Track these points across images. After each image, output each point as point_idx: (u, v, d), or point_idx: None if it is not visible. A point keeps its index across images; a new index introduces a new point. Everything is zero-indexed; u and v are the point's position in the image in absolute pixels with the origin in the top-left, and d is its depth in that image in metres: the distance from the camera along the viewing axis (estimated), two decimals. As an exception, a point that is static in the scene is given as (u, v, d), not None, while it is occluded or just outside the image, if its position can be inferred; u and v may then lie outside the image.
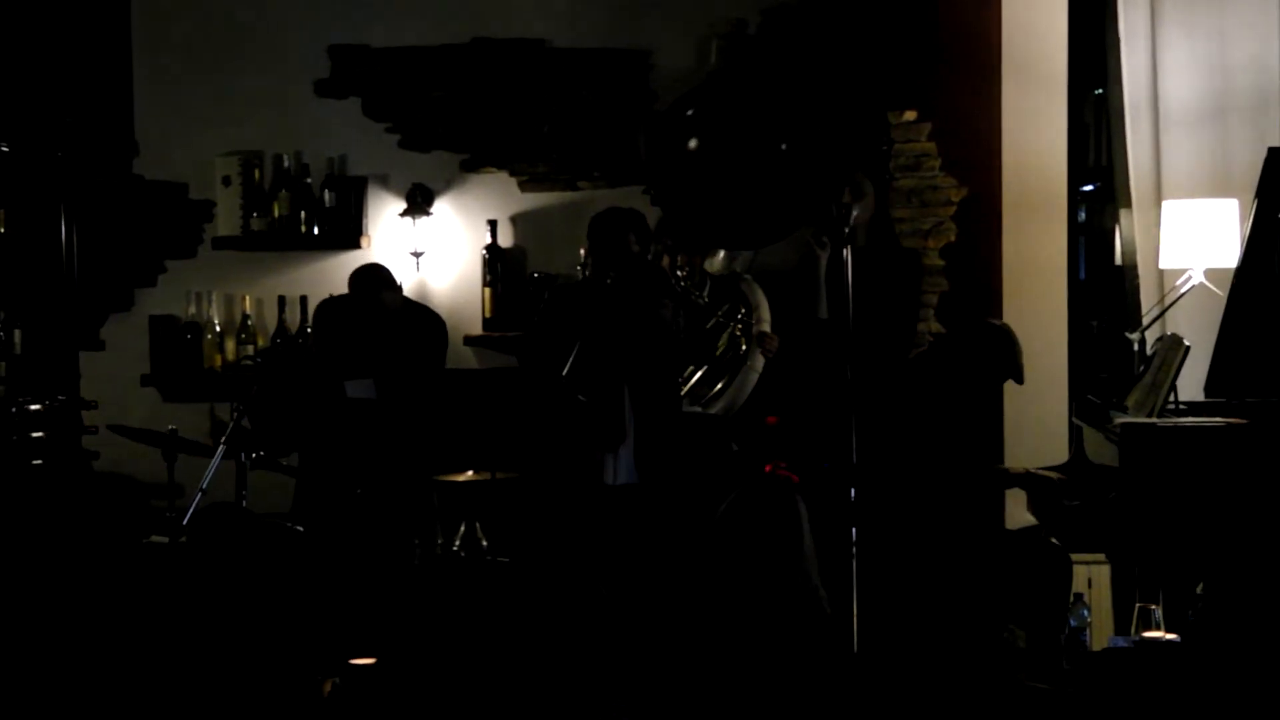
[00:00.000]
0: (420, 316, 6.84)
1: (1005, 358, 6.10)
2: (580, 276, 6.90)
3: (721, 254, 6.72)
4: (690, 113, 5.23)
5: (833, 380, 5.31)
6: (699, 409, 6.39)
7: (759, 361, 6.36)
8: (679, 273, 6.40)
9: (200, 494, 6.08)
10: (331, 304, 6.80)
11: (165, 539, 6.12)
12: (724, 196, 5.18)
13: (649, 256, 6.40)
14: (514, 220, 7.42)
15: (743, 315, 6.42)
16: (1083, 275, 7.58)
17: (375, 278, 6.67)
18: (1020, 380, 6.15)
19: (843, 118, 6.50)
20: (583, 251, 6.76)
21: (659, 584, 5.92)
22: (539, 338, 6.42)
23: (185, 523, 6.01)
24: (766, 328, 6.39)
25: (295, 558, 6.09)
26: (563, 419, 6.34)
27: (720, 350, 6.42)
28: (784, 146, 5.10)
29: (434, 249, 7.41)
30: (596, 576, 6.10)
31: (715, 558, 5.39)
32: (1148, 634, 5.02)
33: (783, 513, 5.23)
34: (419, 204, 7.38)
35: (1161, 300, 6.51)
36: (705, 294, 6.48)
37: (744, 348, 6.38)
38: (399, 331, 6.66)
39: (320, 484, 6.48)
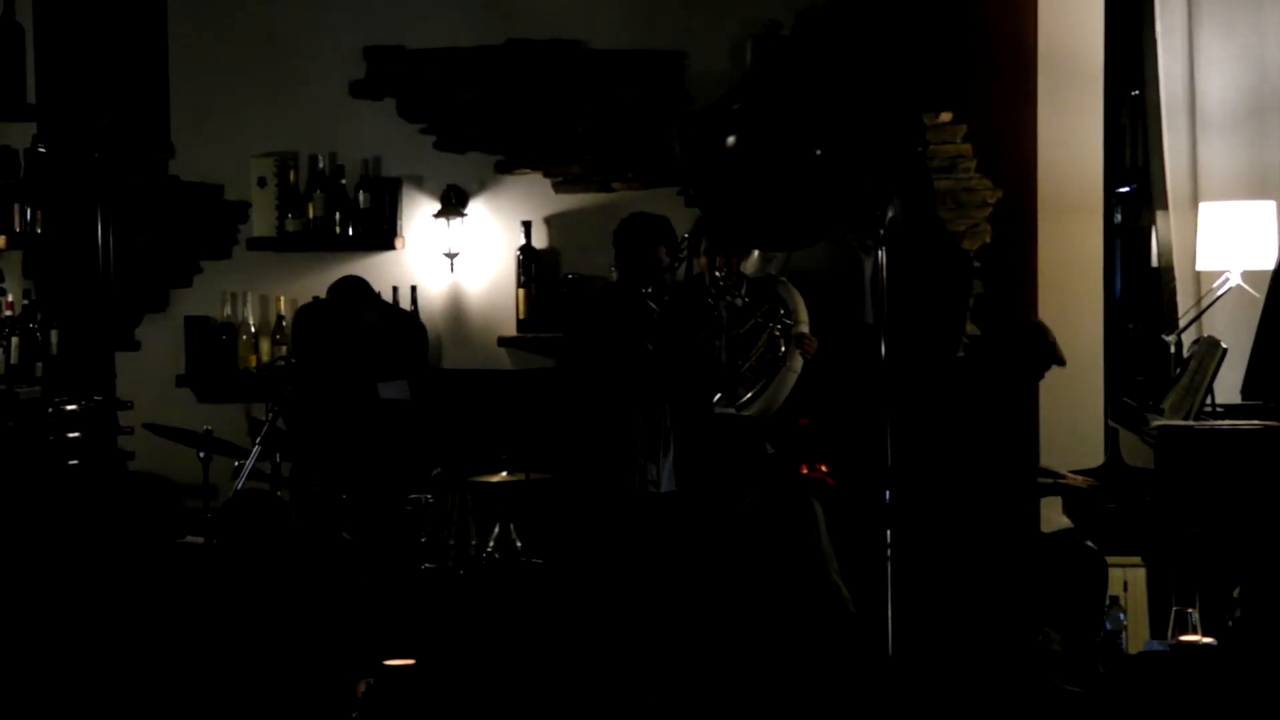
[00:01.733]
0: (400, 325, 6.86)
1: (1043, 349, 6.05)
2: (613, 277, 6.88)
3: (755, 254, 6.71)
4: (727, 113, 5.23)
5: (877, 384, 5.29)
6: (734, 410, 6.39)
7: (797, 363, 6.34)
8: (717, 274, 6.39)
9: (235, 494, 6.12)
10: (312, 311, 6.80)
11: (200, 539, 6.15)
12: (759, 198, 5.18)
13: (679, 262, 6.40)
14: (548, 221, 7.43)
15: (782, 316, 6.41)
16: (1119, 277, 7.55)
17: (356, 293, 6.69)
18: (1062, 363, 6.08)
19: (878, 120, 6.49)
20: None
21: (692, 586, 5.92)
22: (582, 343, 6.43)
23: (220, 509, 6.06)
24: (805, 329, 6.37)
25: (325, 556, 6.11)
26: (604, 424, 6.34)
27: (759, 352, 6.41)
28: (819, 151, 5.09)
29: (468, 250, 7.42)
30: (635, 581, 6.10)
31: (736, 557, 5.40)
32: (1184, 638, 5.00)
33: (797, 512, 5.22)
34: (453, 205, 7.38)
35: (1198, 302, 6.49)
36: (743, 294, 6.46)
37: (783, 349, 6.37)
38: (378, 346, 6.68)
39: (328, 486, 6.50)
